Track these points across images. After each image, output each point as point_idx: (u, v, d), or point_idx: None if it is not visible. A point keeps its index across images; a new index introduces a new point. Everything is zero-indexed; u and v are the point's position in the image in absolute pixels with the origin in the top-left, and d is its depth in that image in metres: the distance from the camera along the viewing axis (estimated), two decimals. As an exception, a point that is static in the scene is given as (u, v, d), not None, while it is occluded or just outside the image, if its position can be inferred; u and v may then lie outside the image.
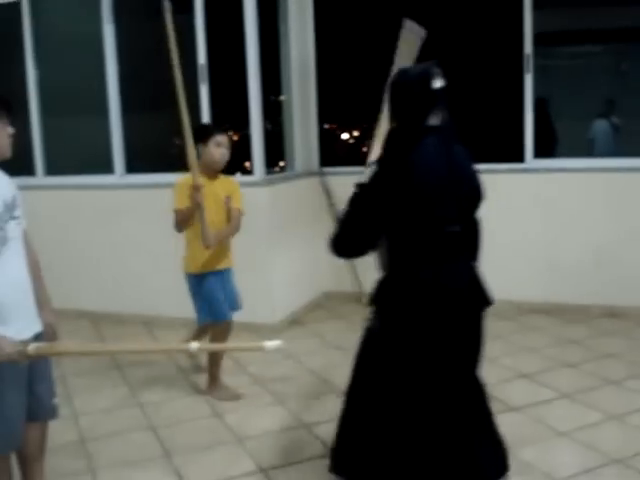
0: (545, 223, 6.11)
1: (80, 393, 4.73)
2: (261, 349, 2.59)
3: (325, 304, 6.75)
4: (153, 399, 4.59)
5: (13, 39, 6.71)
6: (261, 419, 4.20)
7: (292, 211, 6.29)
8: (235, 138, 7.17)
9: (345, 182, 6.68)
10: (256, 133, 5.82)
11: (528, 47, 6.04)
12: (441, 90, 2.87)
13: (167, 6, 4.06)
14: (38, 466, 3.10)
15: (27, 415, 2.87)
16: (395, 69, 3.64)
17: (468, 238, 2.95)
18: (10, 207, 2.77)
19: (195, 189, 4.04)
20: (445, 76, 2.90)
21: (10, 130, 2.79)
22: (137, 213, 6.26)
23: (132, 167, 6.50)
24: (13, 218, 2.78)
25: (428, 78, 2.86)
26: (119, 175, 6.50)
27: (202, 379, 4.75)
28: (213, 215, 4.24)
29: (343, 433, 3.17)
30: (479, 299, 2.97)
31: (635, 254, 5.89)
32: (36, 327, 2.88)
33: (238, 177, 6.27)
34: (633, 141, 6.79)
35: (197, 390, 4.68)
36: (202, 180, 4.14)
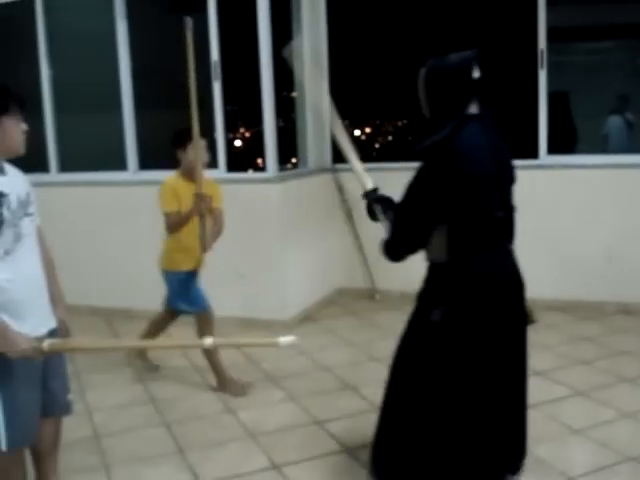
0: (559, 219, 6.08)
1: (94, 389, 4.74)
2: (275, 345, 2.58)
3: (338, 300, 6.74)
4: (166, 395, 4.60)
5: (26, 37, 6.74)
6: (274, 415, 4.21)
7: (304, 208, 6.28)
8: (248, 135, 7.18)
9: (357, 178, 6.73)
10: (269, 130, 5.82)
11: (542, 43, 6.00)
12: (480, 79, 2.89)
13: (188, 23, 4.13)
14: (52, 462, 3.11)
15: (41, 411, 2.89)
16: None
17: (509, 223, 3.00)
18: (24, 204, 2.78)
19: (199, 198, 4.17)
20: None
21: (24, 127, 2.79)
22: (150, 209, 6.22)
23: (145, 164, 6.52)
24: (27, 215, 2.78)
25: (469, 67, 2.87)
26: (132, 172, 6.51)
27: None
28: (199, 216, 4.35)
29: (391, 433, 3.09)
30: (522, 283, 3.02)
31: (650, 251, 5.86)
32: (50, 323, 2.89)
33: (250, 174, 6.29)
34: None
35: (210, 387, 4.69)
36: (183, 184, 4.39)
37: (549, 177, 6.12)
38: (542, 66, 6.03)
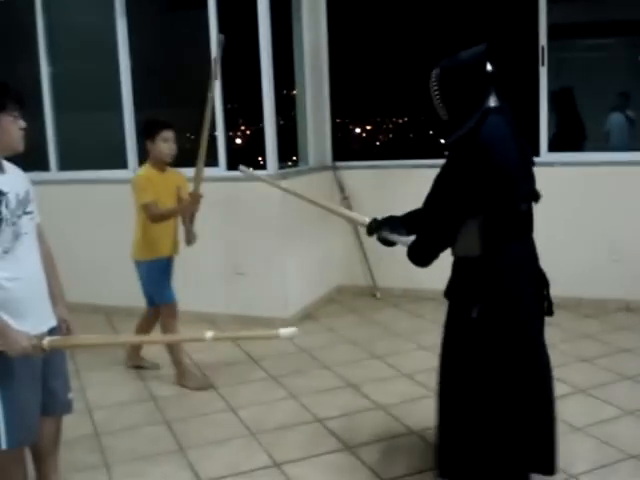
0: (559, 217, 6.06)
1: (94, 387, 4.74)
2: (276, 336, 2.58)
3: (338, 298, 6.74)
4: (167, 393, 4.60)
5: (26, 34, 6.73)
6: (275, 413, 4.20)
7: (305, 205, 6.25)
8: (248, 133, 7.17)
9: (358, 176, 6.74)
10: (269, 128, 5.81)
11: (543, 40, 5.99)
12: (494, 72, 2.90)
13: (221, 39, 4.36)
14: (53, 460, 3.11)
15: (42, 410, 2.88)
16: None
17: (531, 215, 3.03)
18: (23, 202, 2.77)
19: (194, 198, 4.45)
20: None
21: (22, 124, 2.79)
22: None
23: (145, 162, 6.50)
24: (26, 213, 2.78)
25: (483, 60, 2.89)
26: (132, 170, 6.49)
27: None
28: (167, 204, 4.56)
29: (452, 432, 3.09)
30: (544, 275, 3.07)
31: (651, 248, 5.85)
32: (51, 322, 2.88)
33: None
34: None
35: (211, 385, 4.69)
36: (155, 174, 4.56)
37: (550, 175, 6.07)
38: (543, 63, 6.02)
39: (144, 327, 4.91)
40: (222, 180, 5.81)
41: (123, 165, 6.52)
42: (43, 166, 6.82)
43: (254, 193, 5.81)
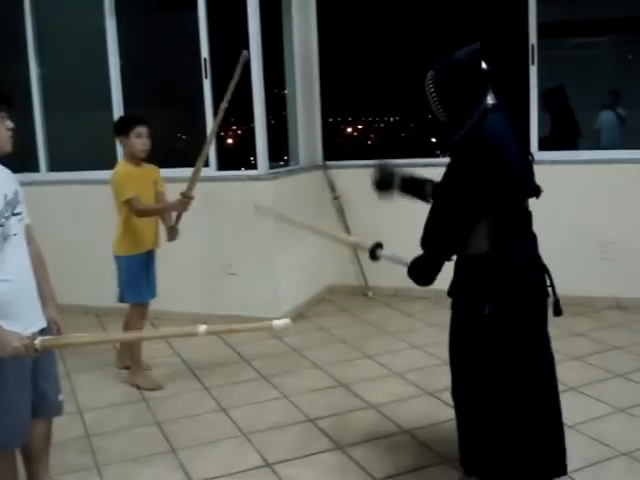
0: (549, 215, 6.07)
1: (85, 389, 4.72)
2: (269, 328, 2.57)
3: (330, 298, 6.74)
4: (158, 394, 4.58)
5: (15, 35, 6.70)
6: (267, 413, 4.20)
7: (296, 205, 6.26)
8: (239, 132, 7.16)
9: (349, 175, 6.73)
10: (259, 127, 5.81)
11: (533, 38, 5.99)
12: (490, 70, 2.92)
13: (245, 56, 4.48)
14: (43, 462, 3.10)
15: (32, 411, 2.87)
16: None
17: (530, 212, 3.07)
18: (12, 203, 2.75)
19: (187, 198, 4.49)
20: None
21: (9, 124, 2.77)
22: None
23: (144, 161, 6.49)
24: (15, 214, 2.76)
25: (478, 59, 2.90)
26: (123, 170, 6.48)
27: (207, 375, 4.75)
28: (147, 199, 4.60)
29: (471, 431, 3.10)
30: (548, 270, 3.09)
31: (641, 246, 5.87)
32: (41, 323, 2.87)
33: (241, 172, 6.27)
34: (639, 132, 6.76)
35: (203, 385, 4.68)
36: (133, 169, 4.60)
37: (540, 173, 6.08)
38: (533, 62, 6.02)
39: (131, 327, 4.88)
40: (213, 180, 5.80)
41: (113, 166, 6.48)
42: (33, 167, 6.79)
43: (245, 193, 5.81)
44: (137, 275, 4.66)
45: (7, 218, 2.71)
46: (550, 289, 3.07)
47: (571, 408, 3.99)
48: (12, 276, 2.70)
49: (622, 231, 5.90)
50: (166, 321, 5.96)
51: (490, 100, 2.90)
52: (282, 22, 6.60)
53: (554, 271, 3.11)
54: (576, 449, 3.48)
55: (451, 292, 3.13)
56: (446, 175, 3.00)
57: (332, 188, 6.74)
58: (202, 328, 2.64)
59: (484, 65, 2.90)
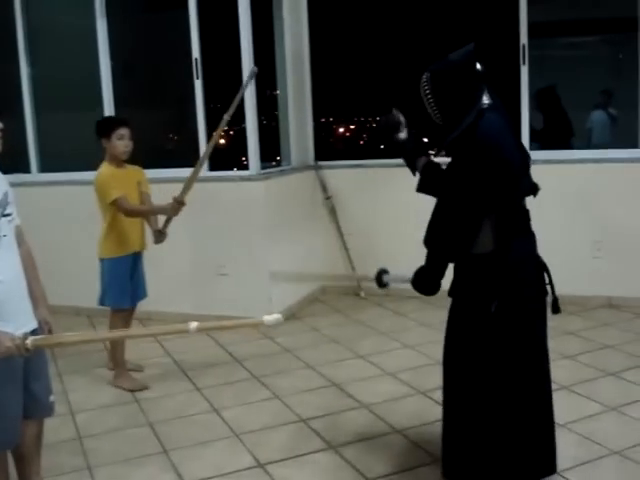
0: (541, 215, 6.07)
1: (76, 390, 4.71)
2: (260, 324, 2.58)
3: (322, 298, 6.74)
4: (150, 395, 4.58)
5: (6, 35, 6.68)
6: (259, 414, 4.19)
7: (288, 205, 6.27)
8: (231, 133, 7.15)
9: (341, 175, 6.73)
10: (251, 127, 5.80)
11: (524, 38, 6.00)
12: (484, 70, 2.93)
13: (254, 71, 4.53)
14: (35, 464, 3.09)
15: (23, 413, 2.86)
16: None
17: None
18: (2, 204, 2.74)
19: (179, 204, 4.46)
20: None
21: (-1, 125, 2.77)
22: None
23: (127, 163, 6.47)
24: (4, 215, 2.75)
25: (472, 60, 2.92)
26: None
27: (199, 375, 4.74)
28: (133, 200, 4.60)
29: (459, 432, 3.10)
30: (547, 267, 3.10)
31: (633, 245, 5.87)
32: (32, 324, 2.86)
33: (232, 172, 6.27)
34: (630, 132, 6.78)
35: (195, 386, 4.67)
36: (116, 171, 4.60)
37: (532, 172, 6.11)
38: (524, 62, 6.03)
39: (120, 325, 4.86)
40: (205, 180, 5.78)
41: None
42: (23, 168, 6.76)
43: (236, 193, 5.80)
44: (120, 279, 4.64)
45: (-3, 219, 2.70)
46: (549, 287, 3.08)
47: (563, 407, 3.99)
48: (3, 277, 2.69)
49: (613, 230, 5.91)
50: (158, 322, 5.94)
51: (486, 100, 2.91)
52: (273, 22, 6.59)
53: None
54: (567, 448, 3.49)
55: (452, 292, 3.12)
56: (447, 175, 3.00)
57: (324, 188, 6.74)
58: (193, 325, 2.63)
59: (479, 66, 2.92)
